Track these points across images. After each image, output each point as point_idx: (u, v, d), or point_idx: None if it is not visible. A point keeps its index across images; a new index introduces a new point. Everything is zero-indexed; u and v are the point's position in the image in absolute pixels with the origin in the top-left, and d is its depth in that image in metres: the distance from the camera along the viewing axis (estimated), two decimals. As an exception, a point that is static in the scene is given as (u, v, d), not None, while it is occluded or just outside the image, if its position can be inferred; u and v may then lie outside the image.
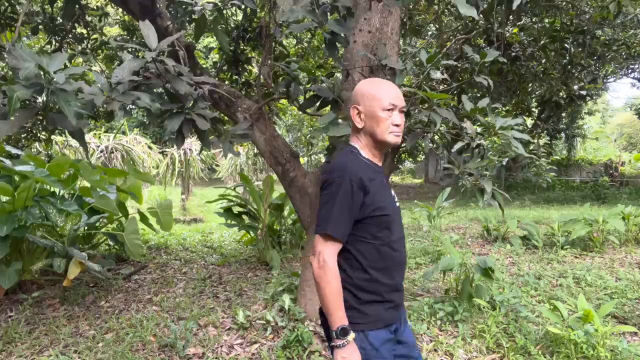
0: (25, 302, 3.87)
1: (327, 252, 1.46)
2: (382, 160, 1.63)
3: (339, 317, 1.44)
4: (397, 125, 1.51)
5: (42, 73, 1.67)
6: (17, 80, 1.65)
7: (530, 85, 8.58)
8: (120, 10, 6.00)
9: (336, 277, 1.45)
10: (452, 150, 3.05)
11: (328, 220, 1.46)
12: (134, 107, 2.06)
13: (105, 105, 1.88)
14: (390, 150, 3.20)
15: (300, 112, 3.79)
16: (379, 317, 1.53)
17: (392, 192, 1.64)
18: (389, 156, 4.21)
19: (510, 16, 6.05)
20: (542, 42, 6.52)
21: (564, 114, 15.26)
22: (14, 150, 4.56)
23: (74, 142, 11.82)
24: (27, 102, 1.75)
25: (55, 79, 1.67)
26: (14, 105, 1.57)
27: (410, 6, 5.72)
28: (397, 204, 1.65)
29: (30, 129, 5.79)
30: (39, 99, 1.80)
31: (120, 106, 1.89)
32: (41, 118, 1.87)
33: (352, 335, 1.45)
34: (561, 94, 8.66)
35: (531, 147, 13.78)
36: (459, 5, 2.01)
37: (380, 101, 1.50)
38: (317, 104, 2.97)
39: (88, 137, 13.69)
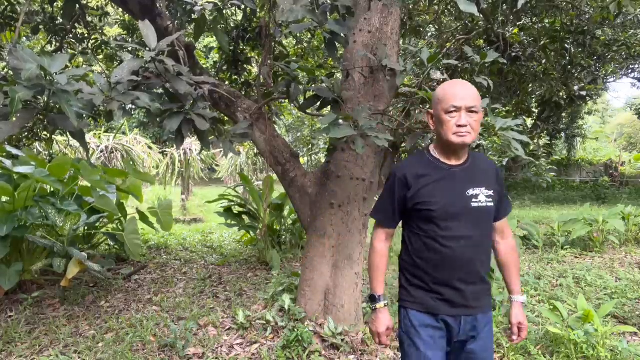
0: (25, 302, 3.87)
1: (374, 234, 1.78)
2: (462, 160, 1.66)
3: (373, 287, 1.75)
4: (461, 126, 1.55)
5: (43, 74, 1.67)
6: (18, 81, 1.65)
7: (530, 85, 8.58)
8: (120, 10, 6.00)
9: (376, 254, 1.75)
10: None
11: (374, 207, 1.80)
12: (133, 107, 2.06)
13: (104, 105, 1.88)
14: (391, 150, 3.20)
15: (301, 112, 3.79)
16: (423, 301, 1.66)
17: (471, 192, 1.62)
18: (389, 156, 4.20)
19: (510, 16, 6.05)
20: (542, 42, 6.52)
21: (564, 114, 15.25)
22: (14, 151, 4.56)
23: (74, 142, 11.83)
24: (28, 102, 1.75)
25: (57, 80, 1.67)
26: (15, 106, 1.57)
27: (410, 6, 5.72)
28: (476, 204, 1.61)
29: (31, 128, 5.80)
30: (40, 100, 1.80)
31: (120, 106, 1.89)
32: (42, 118, 1.87)
33: (380, 304, 1.72)
34: (561, 94, 8.65)
35: (531, 148, 13.78)
36: (459, 2, 2.01)
37: (442, 104, 1.58)
38: (318, 104, 2.96)
39: (88, 137, 13.69)
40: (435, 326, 1.64)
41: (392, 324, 1.73)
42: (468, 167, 1.66)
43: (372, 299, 1.73)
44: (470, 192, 1.62)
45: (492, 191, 1.65)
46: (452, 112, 1.56)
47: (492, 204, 1.64)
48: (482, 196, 1.63)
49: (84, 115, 1.90)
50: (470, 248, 1.62)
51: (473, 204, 1.61)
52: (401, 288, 1.74)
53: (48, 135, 6.23)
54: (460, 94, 1.56)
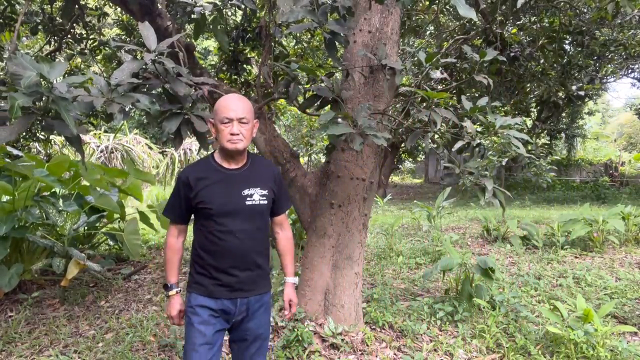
0: (25, 302, 3.86)
1: (168, 230, 1.98)
2: (240, 164, 1.89)
3: (167, 277, 1.96)
4: (233, 134, 1.78)
5: (42, 81, 1.67)
6: (18, 88, 1.65)
7: (528, 85, 8.58)
8: (119, 10, 6.00)
9: (168, 249, 1.94)
10: (452, 150, 3.05)
11: (166, 205, 1.97)
12: (133, 108, 2.05)
13: (104, 107, 1.88)
14: (390, 150, 3.17)
15: (299, 113, 3.79)
16: (205, 286, 1.87)
17: (247, 192, 1.85)
18: (389, 156, 4.20)
19: (510, 16, 6.05)
20: (541, 42, 6.53)
21: (563, 114, 15.25)
22: (14, 151, 4.56)
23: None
24: (27, 107, 1.74)
25: (56, 87, 1.68)
26: (15, 113, 1.58)
27: (410, 6, 5.73)
28: (250, 202, 1.85)
29: (29, 129, 5.80)
30: (39, 105, 1.80)
31: (120, 109, 1.89)
32: (40, 121, 1.86)
33: (172, 292, 1.93)
34: (560, 94, 8.66)
35: (530, 148, 13.76)
36: (458, 7, 2.01)
37: (218, 115, 1.81)
38: (317, 103, 2.96)
39: (88, 137, 13.69)
40: (213, 308, 1.85)
41: (184, 307, 1.95)
42: (246, 170, 1.89)
43: (165, 287, 1.94)
44: (246, 192, 1.85)
45: (267, 190, 1.90)
46: (226, 122, 1.78)
47: (265, 202, 1.89)
48: (256, 195, 1.86)
49: (83, 120, 1.90)
50: (245, 240, 1.84)
51: (247, 202, 1.85)
52: (190, 275, 1.94)
53: (46, 135, 6.23)
54: (232, 106, 1.79)
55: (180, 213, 1.92)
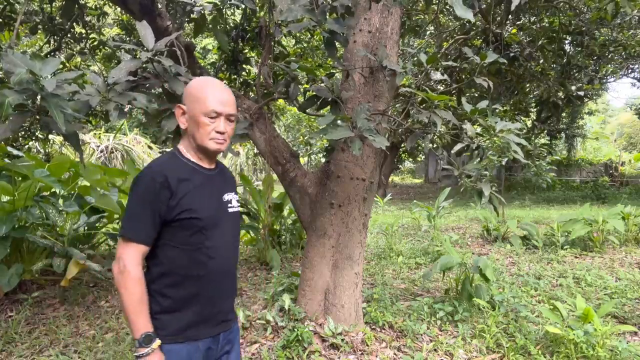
0: (25, 302, 3.86)
1: (127, 255, 1.36)
2: (213, 164, 1.55)
3: (143, 323, 1.35)
4: (220, 133, 1.43)
5: (34, 78, 1.66)
6: (9, 85, 1.64)
7: (528, 85, 8.59)
8: (119, 9, 6.00)
9: (135, 283, 1.35)
10: (452, 151, 3.05)
11: (125, 222, 1.40)
12: (131, 107, 2.05)
13: (101, 106, 1.88)
14: (388, 152, 3.18)
15: (299, 113, 3.78)
16: (180, 329, 1.42)
17: (227, 197, 1.54)
18: (389, 156, 4.20)
19: (509, 16, 6.06)
20: (540, 42, 6.53)
21: (563, 114, 15.25)
22: (14, 151, 4.56)
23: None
24: (21, 105, 1.74)
25: (44, 84, 1.65)
26: (5, 110, 1.56)
27: (409, 6, 5.73)
28: (232, 209, 1.56)
29: (28, 128, 5.79)
30: (35, 102, 1.80)
31: (116, 107, 1.88)
32: (37, 118, 1.85)
33: (158, 342, 1.37)
34: (559, 94, 8.66)
35: (528, 149, 13.77)
36: (456, 7, 2.01)
37: (202, 105, 1.41)
38: (317, 104, 2.96)
39: (88, 137, 13.70)
40: (193, 357, 1.43)
41: None
42: (219, 172, 1.57)
43: (147, 339, 1.33)
44: (226, 197, 1.54)
45: (237, 196, 1.64)
46: (213, 117, 1.41)
47: (240, 209, 1.62)
48: (234, 201, 1.58)
49: (77, 118, 1.89)
50: (230, 257, 1.52)
51: (230, 209, 1.54)
52: (153, 319, 1.39)
53: (45, 135, 6.23)
54: (223, 99, 1.43)
55: (153, 229, 1.38)
